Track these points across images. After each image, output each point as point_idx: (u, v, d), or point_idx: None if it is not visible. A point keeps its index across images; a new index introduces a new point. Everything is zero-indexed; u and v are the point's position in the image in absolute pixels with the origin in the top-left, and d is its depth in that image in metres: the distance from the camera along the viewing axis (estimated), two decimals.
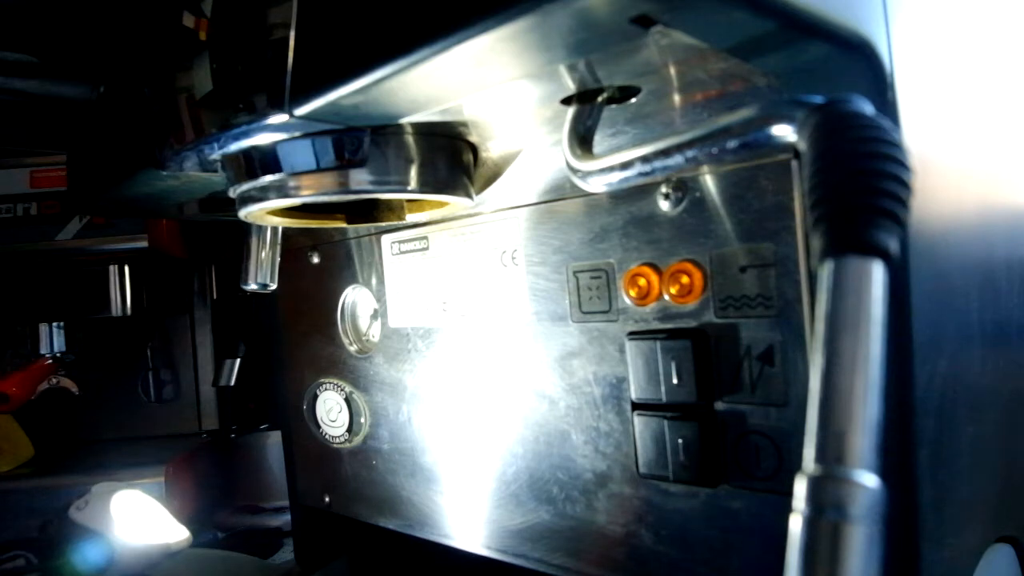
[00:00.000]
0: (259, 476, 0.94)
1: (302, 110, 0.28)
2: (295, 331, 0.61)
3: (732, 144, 0.24)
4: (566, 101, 0.31)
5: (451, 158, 0.37)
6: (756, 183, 0.33)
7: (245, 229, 0.47)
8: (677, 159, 0.26)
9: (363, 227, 0.53)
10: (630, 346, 0.38)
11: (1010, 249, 0.39)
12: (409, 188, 0.36)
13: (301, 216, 0.42)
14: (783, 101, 0.23)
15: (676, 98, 0.32)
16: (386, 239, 0.52)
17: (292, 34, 0.27)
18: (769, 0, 0.22)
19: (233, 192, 0.37)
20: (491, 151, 0.40)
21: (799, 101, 0.22)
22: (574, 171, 0.30)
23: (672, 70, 0.29)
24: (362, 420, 0.55)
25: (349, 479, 0.57)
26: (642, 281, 0.38)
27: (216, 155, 0.35)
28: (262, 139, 0.32)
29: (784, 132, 0.23)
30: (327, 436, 0.58)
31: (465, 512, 0.49)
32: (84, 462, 0.87)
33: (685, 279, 0.36)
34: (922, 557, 0.29)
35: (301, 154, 0.33)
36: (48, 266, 0.80)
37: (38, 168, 0.79)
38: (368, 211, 0.43)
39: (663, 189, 0.37)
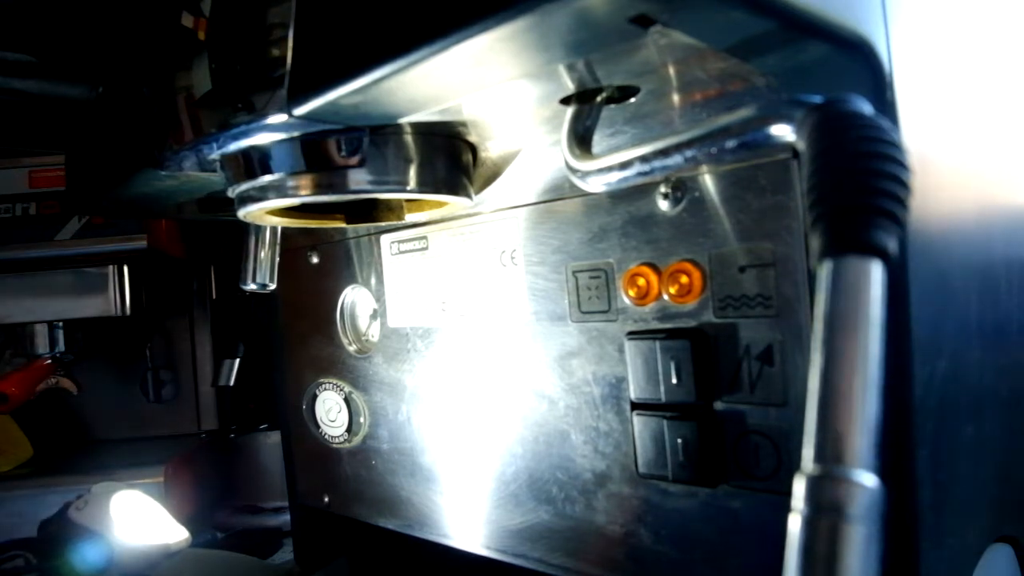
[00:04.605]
0: (259, 476, 0.94)
1: (301, 110, 0.28)
2: (294, 331, 0.61)
3: (731, 144, 0.24)
4: (565, 101, 0.31)
5: (450, 158, 0.37)
6: (755, 183, 0.33)
7: (244, 229, 0.47)
8: (676, 159, 0.26)
9: (362, 227, 0.53)
10: (629, 346, 0.38)
11: (1010, 249, 0.39)
12: (408, 188, 0.36)
13: (300, 216, 0.42)
14: (782, 101, 0.23)
15: (675, 98, 0.32)
16: (385, 239, 0.52)
17: (291, 34, 0.27)
18: (768, 0, 0.22)
19: (232, 192, 0.37)
20: (490, 151, 0.40)
21: (798, 101, 0.22)
22: (573, 171, 0.30)
23: (671, 70, 0.29)
24: (361, 420, 0.55)
25: (348, 479, 0.57)
26: (641, 281, 0.38)
27: (215, 155, 0.35)
28: (261, 139, 0.32)
29: (783, 132, 0.23)
30: (326, 436, 0.58)
31: (465, 512, 0.49)
32: (84, 462, 0.87)
33: (684, 279, 0.36)
34: (922, 557, 0.29)
35: (300, 154, 0.33)
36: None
37: (37, 168, 0.78)
38: (367, 211, 0.43)
39: (662, 189, 0.37)
